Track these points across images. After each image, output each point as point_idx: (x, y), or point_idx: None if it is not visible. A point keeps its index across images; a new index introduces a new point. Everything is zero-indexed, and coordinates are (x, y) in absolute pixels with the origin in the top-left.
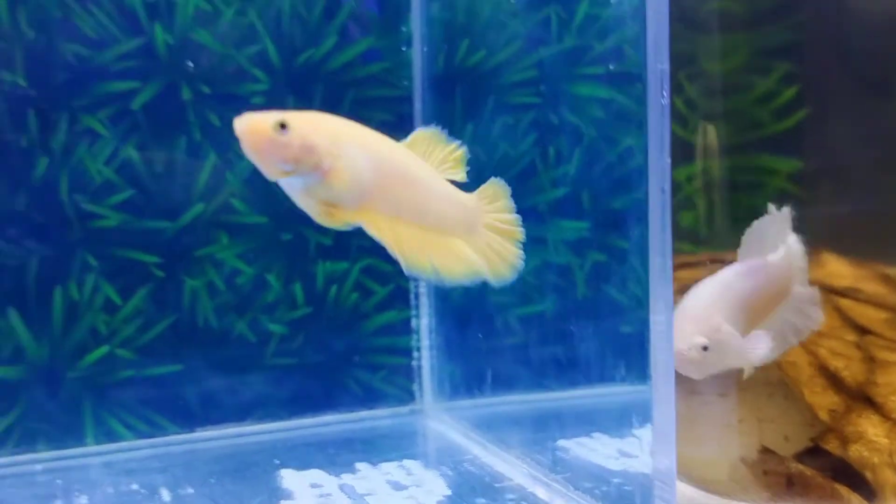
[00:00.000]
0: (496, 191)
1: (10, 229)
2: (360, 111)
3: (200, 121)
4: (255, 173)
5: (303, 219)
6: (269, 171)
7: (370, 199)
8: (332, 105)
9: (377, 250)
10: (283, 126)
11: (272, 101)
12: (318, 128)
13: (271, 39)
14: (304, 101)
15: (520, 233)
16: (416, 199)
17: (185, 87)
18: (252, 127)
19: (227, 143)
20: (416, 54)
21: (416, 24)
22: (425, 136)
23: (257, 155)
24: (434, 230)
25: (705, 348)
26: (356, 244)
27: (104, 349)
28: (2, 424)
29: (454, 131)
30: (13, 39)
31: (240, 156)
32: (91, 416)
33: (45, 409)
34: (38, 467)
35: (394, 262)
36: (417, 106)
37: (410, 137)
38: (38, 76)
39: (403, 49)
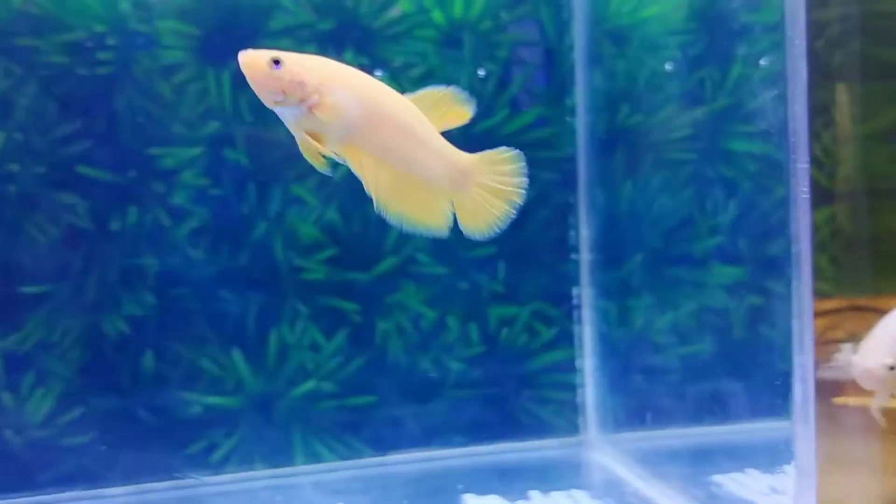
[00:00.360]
0: (507, 156)
1: (234, 282)
2: (528, 170)
3: None
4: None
5: (479, 268)
6: (264, 100)
7: (354, 137)
8: None
9: (545, 296)
10: (276, 62)
11: None
12: (309, 67)
13: None
14: None
15: (517, 194)
16: (402, 146)
17: None
18: (250, 61)
19: None
20: (580, 120)
21: (579, 94)
22: (436, 93)
23: (254, 84)
24: (417, 179)
25: (892, 368)
26: (525, 291)
27: (311, 383)
28: (226, 446)
29: (616, 186)
30: (236, 123)
31: None
32: (300, 440)
33: (262, 433)
34: (259, 484)
35: (559, 307)
36: (582, 165)
37: (419, 92)
38: (257, 154)
39: (568, 119)
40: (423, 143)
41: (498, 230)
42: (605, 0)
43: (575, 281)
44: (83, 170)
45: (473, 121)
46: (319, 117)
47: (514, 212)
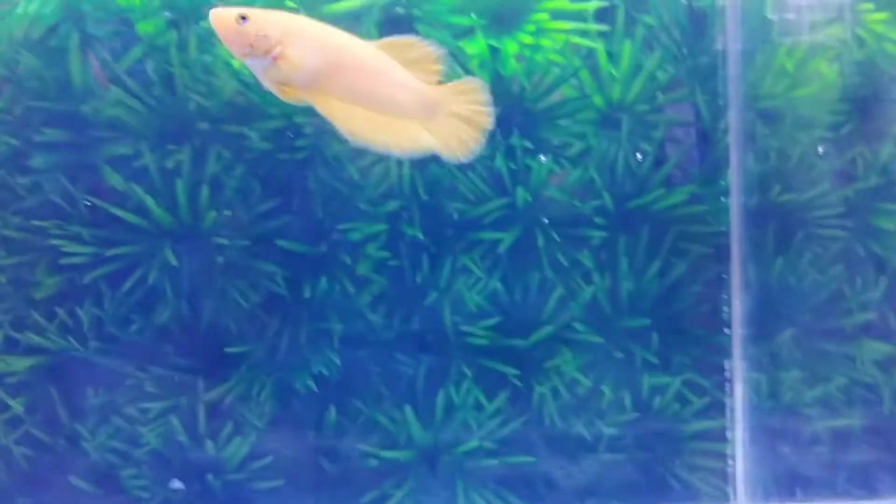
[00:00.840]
0: (473, 86)
1: (408, 345)
2: (680, 244)
3: (550, 259)
4: (594, 298)
5: (633, 338)
6: (235, 53)
7: (319, 82)
8: (656, 238)
9: (697, 367)
10: (243, 18)
11: (605, 244)
12: (273, 21)
13: (608, 191)
14: (633, 239)
15: (487, 121)
16: (368, 86)
17: (539, 235)
18: (219, 17)
19: (573, 278)
20: (734, 197)
21: (733, 174)
22: (402, 40)
23: (224, 40)
24: (389, 113)
25: None
26: (678, 361)
27: (474, 441)
28: (397, 496)
29: (768, 261)
30: (413, 202)
31: (581, 286)
32: (462, 494)
33: (428, 486)
34: None
35: (711, 378)
36: (734, 241)
37: (386, 40)
38: (430, 229)
39: (722, 199)
40: (388, 80)
41: (472, 155)
42: (759, 81)
43: (727, 353)
44: (282, 243)
45: (628, 196)
46: (283, 67)
47: (484, 138)
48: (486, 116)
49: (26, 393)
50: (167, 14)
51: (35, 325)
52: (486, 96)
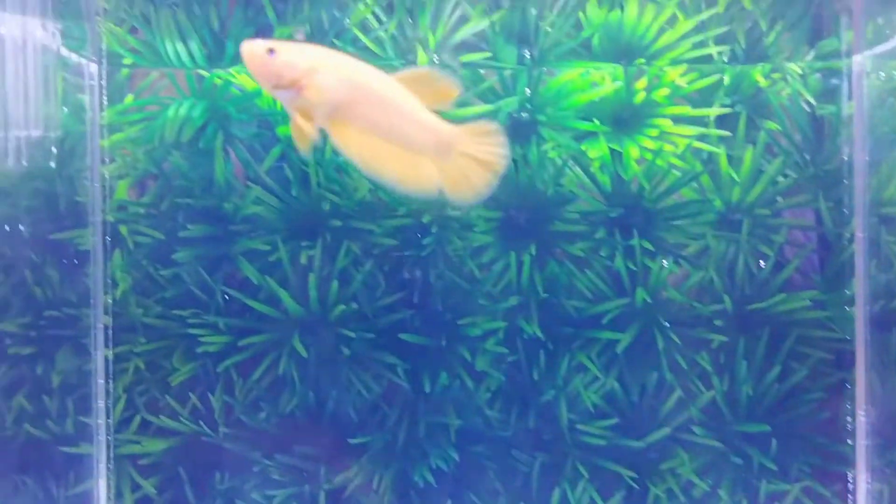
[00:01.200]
0: (490, 128)
1: (523, 442)
2: (800, 349)
3: (669, 361)
4: (712, 401)
5: (751, 443)
6: (263, 85)
7: (341, 114)
8: (776, 342)
9: (817, 475)
10: (271, 51)
11: (724, 347)
12: (299, 54)
13: (727, 293)
14: (753, 342)
15: (500, 165)
16: (387, 119)
17: (658, 335)
18: (249, 50)
19: (691, 380)
20: (858, 306)
21: (858, 281)
22: (419, 71)
23: (252, 72)
24: (404, 148)
25: None
26: (797, 469)
27: None
28: None
29: (892, 370)
30: (532, 297)
31: (699, 389)
32: None
33: None
34: None
35: (832, 487)
36: (859, 348)
37: (403, 71)
38: (548, 326)
39: (847, 308)
40: (407, 115)
41: (481, 198)
42: (882, 187)
43: (849, 463)
44: (404, 336)
45: (748, 299)
46: (307, 97)
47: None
48: (499, 159)
49: (158, 474)
50: None
51: (169, 409)
52: (501, 140)
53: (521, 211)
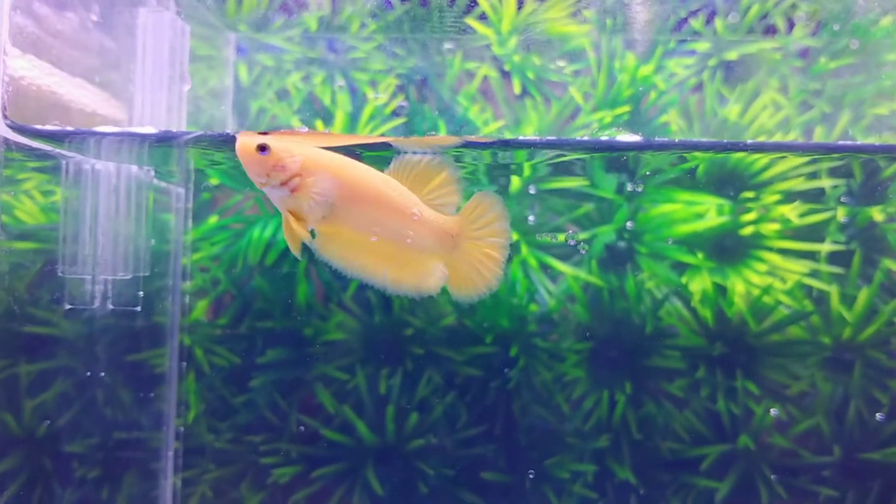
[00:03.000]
0: (483, 204)
1: None
2: None
3: None
4: None
5: None
6: (253, 180)
7: (335, 217)
8: (889, 494)
9: None
10: (263, 148)
11: (833, 500)
12: (292, 153)
13: (836, 441)
14: (863, 494)
15: (506, 240)
16: (385, 221)
17: (761, 485)
18: (242, 144)
19: None
20: None
21: None
22: (414, 159)
23: (244, 166)
24: (406, 247)
25: None
26: None
27: None
28: None
29: None
30: (624, 437)
31: None
32: None
33: None
34: None
35: None
36: None
37: (393, 164)
38: (641, 469)
39: None
40: (405, 213)
41: (494, 287)
42: None
43: None
44: (486, 475)
45: (858, 446)
46: (301, 200)
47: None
48: (505, 236)
49: None
50: None
51: None
52: (501, 213)
53: (615, 344)
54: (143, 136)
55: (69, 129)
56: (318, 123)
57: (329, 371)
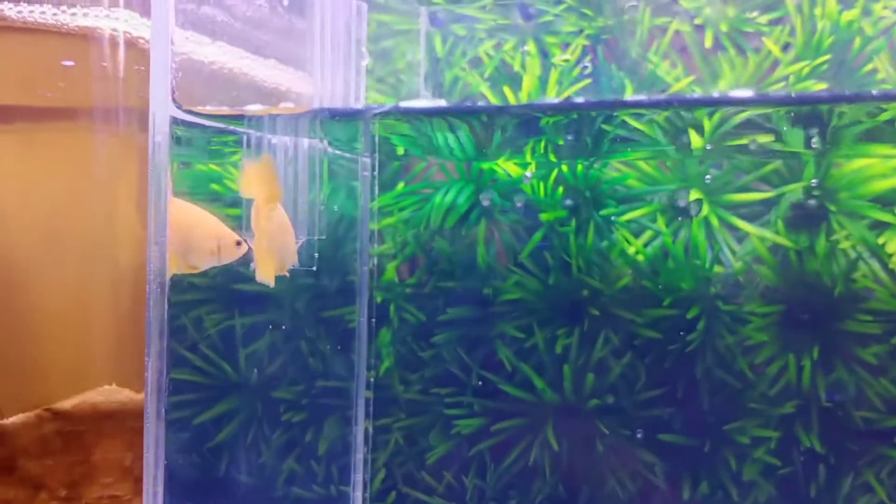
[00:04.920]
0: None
1: None
2: None
3: None
4: None
5: None
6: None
7: None
8: None
9: None
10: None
11: None
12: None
13: None
14: None
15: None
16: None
17: None
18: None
19: None
20: None
21: None
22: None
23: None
24: None
25: None
26: None
27: None
28: None
29: None
30: (813, 404)
31: None
32: None
33: None
34: None
35: None
36: None
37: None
38: (831, 437)
39: None
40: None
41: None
42: None
43: None
44: (664, 437)
45: None
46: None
47: None
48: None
49: None
50: (569, 203)
51: (425, 485)
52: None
53: (805, 307)
54: (316, 113)
55: (239, 111)
56: (506, 90)
57: (508, 329)
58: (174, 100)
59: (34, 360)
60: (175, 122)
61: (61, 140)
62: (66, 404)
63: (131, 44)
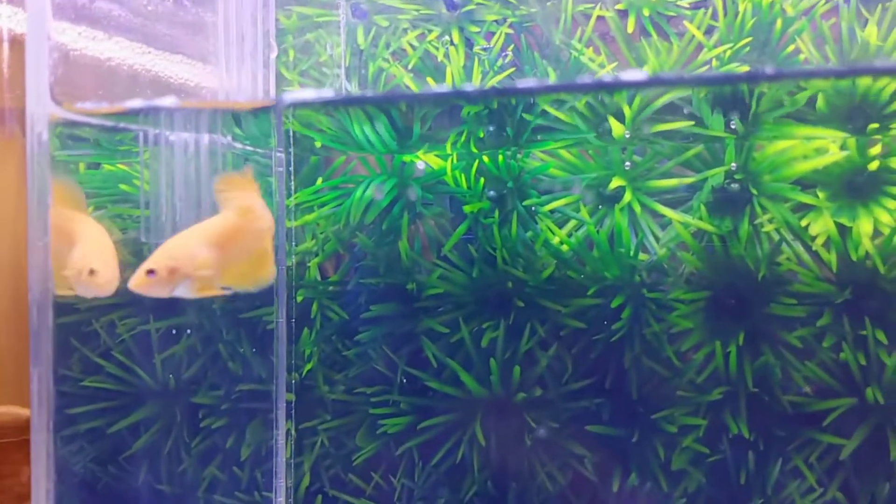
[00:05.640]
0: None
1: None
2: None
3: None
4: None
5: None
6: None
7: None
8: None
9: None
10: (150, 271)
11: None
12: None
13: None
14: None
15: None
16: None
17: (893, 442)
18: (133, 284)
19: None
20: None
21: None
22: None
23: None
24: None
25: None
26: None
27: None
28: None
29: None
30: (740, 390)
31: None
32: None
33: None
34: None
35: None
36: None
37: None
38: (759, 423)
39: None
40: None
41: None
42: None
43: None
44: (593, 428)
45: None
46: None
47: None
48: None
49: None
50: (492, 194)
51: (353, 486)
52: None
53: (730, 292)
54: (215, 109)
55: (125, 108)
56: (430, 80)
57: (433, 325)
58: (53, 97)
59: None
60: (59, 120)
61: None
62: None
63: (16, 41)
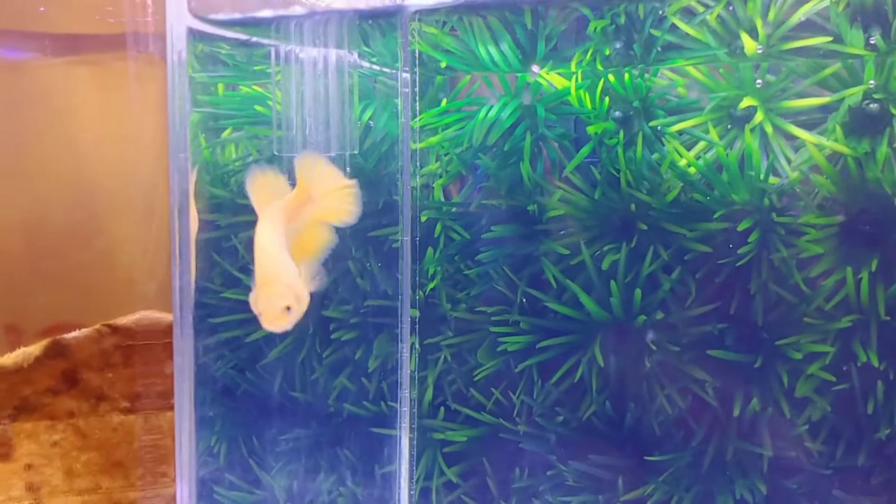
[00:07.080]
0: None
1: (848, 483)
2: None
3: None
4: None
5: None
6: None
7: None
8: None
9: None
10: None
11: None
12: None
13: None
14: None
15: None
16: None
17: None
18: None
19: None
20: None
21: None
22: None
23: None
24: None
25: None
26: None
27: None
28: None
29: None
30: (872, 319)
31: None
32: None
33: None
34: None
35: None
36: None
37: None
38: (890, 353)
39: None
40: None
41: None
42: None
43: None
44: (714, 353)
45: None
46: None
47: None
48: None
49: (461, 462)
50: (617, 114)
51: (474, 401)
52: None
53: (864, 217)
54: (342, 13)
55: (261, 15)
56: None
57: (554, 247)
58: (190, 10)
59: (98, 279)
60: (196, 33)
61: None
62: (125, 320)
63: None
